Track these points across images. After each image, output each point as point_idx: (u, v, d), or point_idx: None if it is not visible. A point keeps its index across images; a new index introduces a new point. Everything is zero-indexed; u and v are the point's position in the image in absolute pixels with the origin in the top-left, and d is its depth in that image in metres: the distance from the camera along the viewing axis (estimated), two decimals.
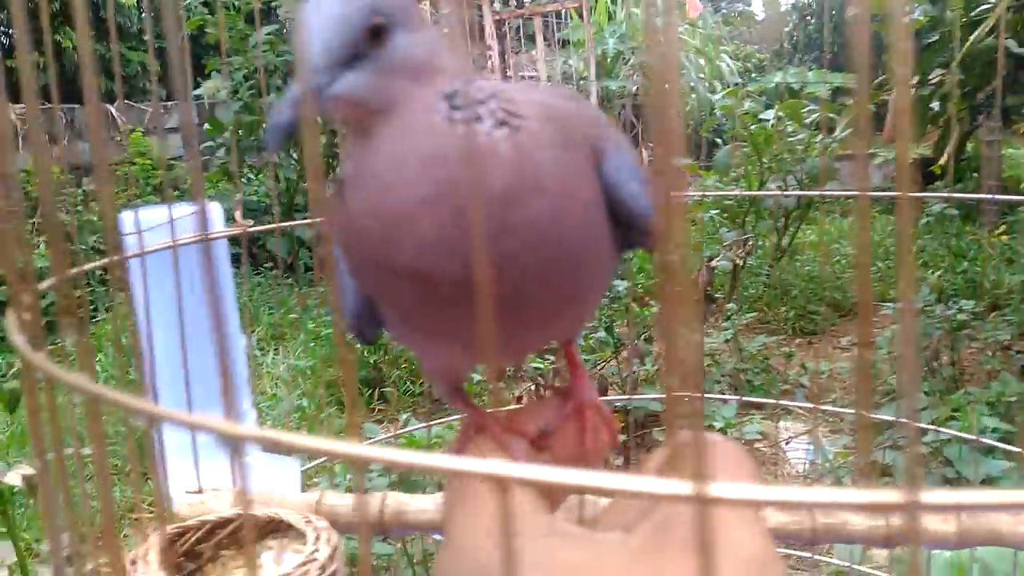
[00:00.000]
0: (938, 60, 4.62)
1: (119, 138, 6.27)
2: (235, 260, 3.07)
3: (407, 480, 1.91)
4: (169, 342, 0.80)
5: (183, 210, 0.81)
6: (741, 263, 4.11)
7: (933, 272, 4.15)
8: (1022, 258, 4.53)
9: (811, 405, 1.34)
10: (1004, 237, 4.70)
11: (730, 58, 8.86)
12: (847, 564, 1.41)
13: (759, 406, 3.15)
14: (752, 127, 4.43)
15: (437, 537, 1.11)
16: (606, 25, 8.23)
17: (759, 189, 4.35)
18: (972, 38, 4.22)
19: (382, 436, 1.49)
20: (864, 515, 0.90)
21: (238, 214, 0.94)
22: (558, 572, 0.33)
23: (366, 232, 0.42)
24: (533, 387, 2.83)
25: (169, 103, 6.20)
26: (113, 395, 0.36)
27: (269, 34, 4.82)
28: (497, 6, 7.76)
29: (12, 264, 0.46)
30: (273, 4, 4.79)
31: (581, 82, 8.51)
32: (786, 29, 12.21)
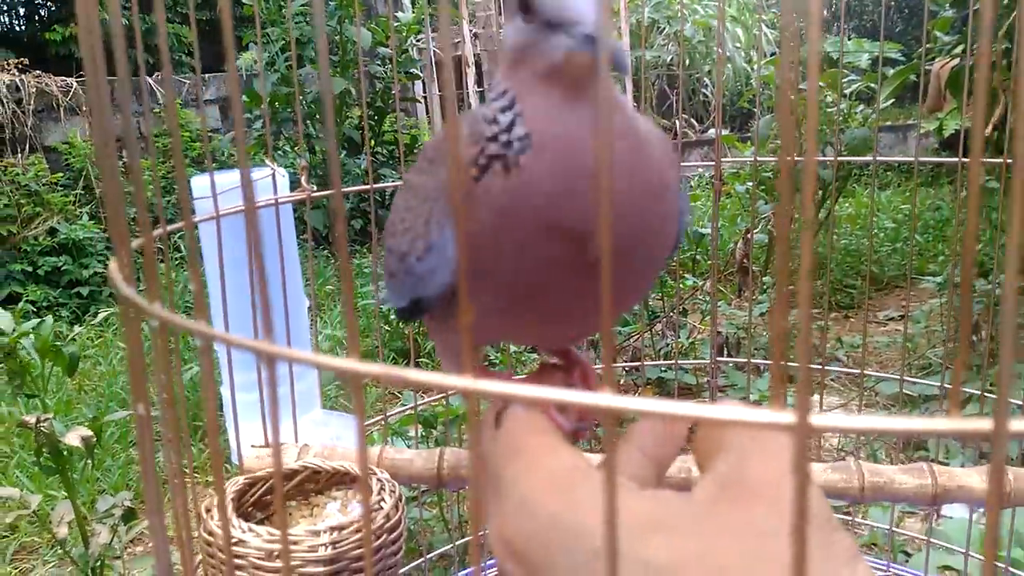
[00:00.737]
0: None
1: (158, 110, 6.34)
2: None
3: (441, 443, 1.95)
4: (241, 301, 0.84)
5: (254, 174, 0.84)
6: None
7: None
8: None
9: (856, 371, 1.34)
10: None
11: (767, 27, 8.71)
12: (886, 528, 1.42)
13: (791, 379, 3.15)
14: (792, 97, 4.37)
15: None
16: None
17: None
18: (1018, 6, 4.11)
19: (425, 400, 1.53)
20: (912, 476, 0.91)
21: (303, 179, 0.97)
22: (632, 522, 0.34)
23: (553, 189, 0.43)
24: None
25: (207, 75, 6.25)
26: (175, 318, 0.38)
27: (303, 4, 4.83)
28: None
29: (121, 220, 0.49)
30: None
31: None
32: None
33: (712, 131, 5.32)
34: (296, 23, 4.93)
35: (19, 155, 5.56)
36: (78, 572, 1.74)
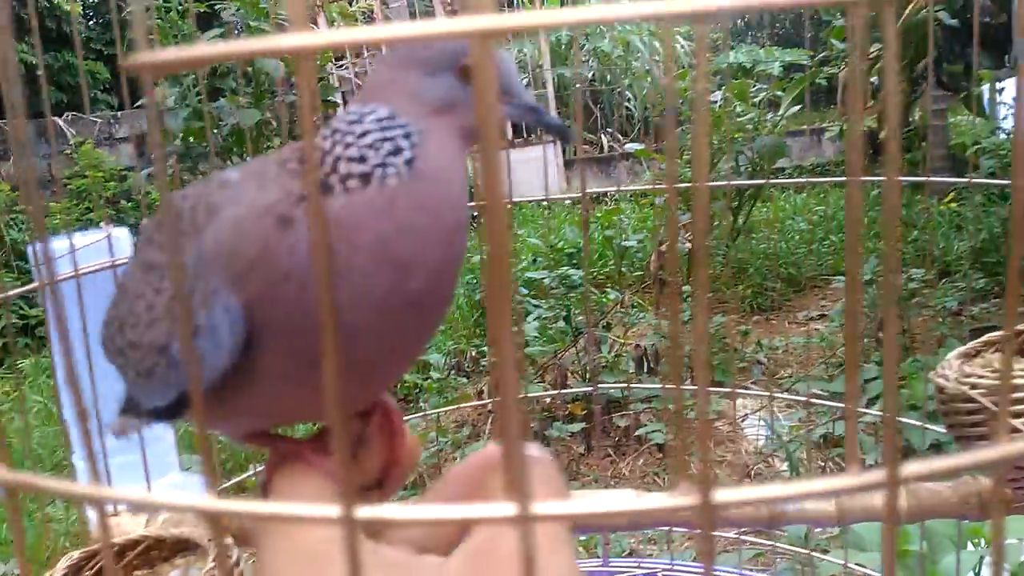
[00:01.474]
0: (874, 35, 4.72)
1: (68, 151, 6.17)
2: None
3: None
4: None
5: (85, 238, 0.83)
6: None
7: (883, 242, 4.24)
8: (970, 225, 4.65)
9: (766, 393, 1.38)
10: (953, 205, 4.82)
11: (684, 39, 8.92)
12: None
13: (718, 385, 3.22)
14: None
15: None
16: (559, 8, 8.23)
17: (711, 170, 4.41)
18: (906, 13, 4.31)
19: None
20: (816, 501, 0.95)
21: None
22: None
23: (412, 219, 0.43)
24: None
25: (119, 113, 6.11)
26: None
27: (214, 37, 4.77)
28: None
29: None
30: (217, 7, 4.73)
31: (537, 70, 8.53)
32: None
33: (630, 146, 5.40)
34: None
35: None
36: None
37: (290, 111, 5.77)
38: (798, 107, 5.13)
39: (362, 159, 0.44)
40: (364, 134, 0.44)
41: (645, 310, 3.83)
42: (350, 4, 7.06)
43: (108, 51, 9.60)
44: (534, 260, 4.54)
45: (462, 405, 2.98)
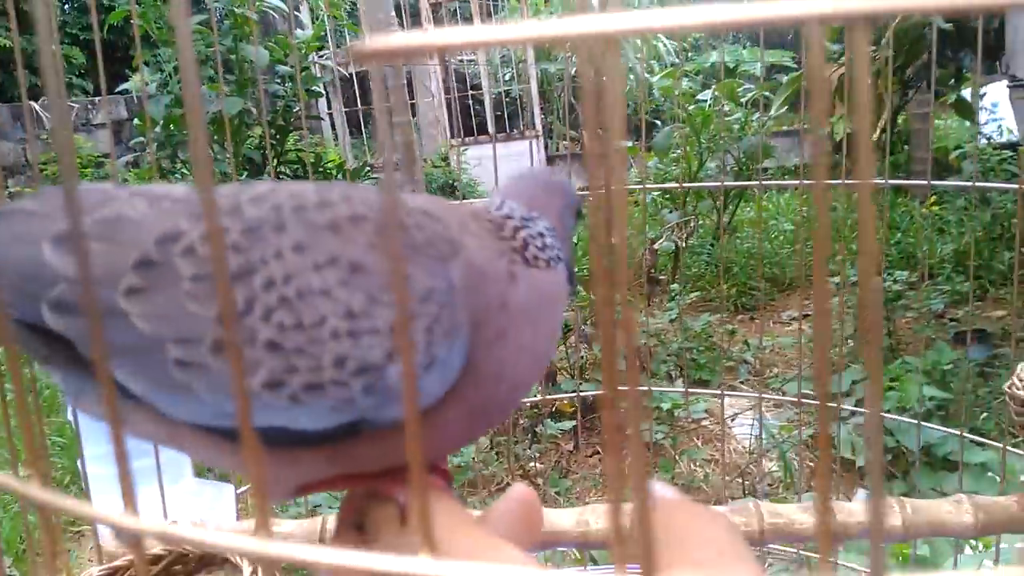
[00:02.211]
0: (874, 36, 4.75)
1: (45, 136, 6.04)
2: None
3: None
4: None
5: None
6: (683, 243, 4.16)
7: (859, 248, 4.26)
8: (953, 228, 4.68)
9: (756, 394, 1.36)
10: (935, 208, 4.85)
11: (666, 38, 8.92)
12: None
13: (705, 384, 3.21)
14: (690, 107, 4.47)
15: None
16: (543, 7, 8.20)
17: (698, 169, 4.40)
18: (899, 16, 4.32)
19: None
20: (810, 515, 0.92)
21: None
22: None
23: (557, 319, 0.48)
24: None
25: (96, 98, 6.00)
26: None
27: (199, 24, 4.68)
28: None
29: None
30: None
31: (520, 65, 8.49)
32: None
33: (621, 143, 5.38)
34: (194, 41, 4.77)
35: None
36: None
37: (272, 100, 5.70)
38: (783, 109, 5.14)
39: (544, 248, 0.48)
40: (542, 234, 0.48)
41: (635, 308, 3.82)
42: None
43: (84, 36, 9.43)
44: None
45: None
